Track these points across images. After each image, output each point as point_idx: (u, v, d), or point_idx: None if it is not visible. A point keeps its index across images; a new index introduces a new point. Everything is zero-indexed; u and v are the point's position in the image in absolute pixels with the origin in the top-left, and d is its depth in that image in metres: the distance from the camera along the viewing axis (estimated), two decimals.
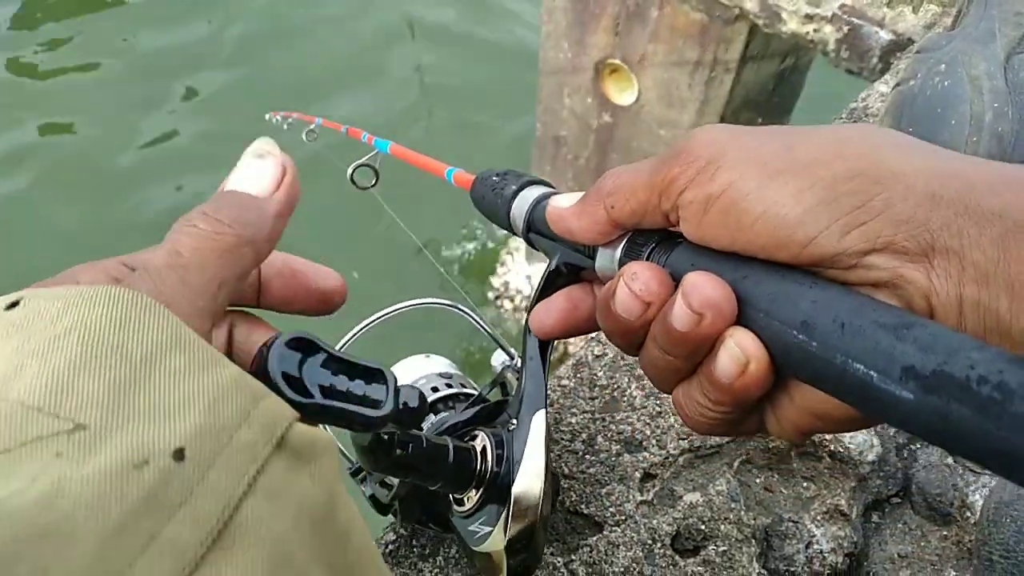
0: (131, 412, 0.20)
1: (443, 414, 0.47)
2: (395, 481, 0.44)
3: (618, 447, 0.55)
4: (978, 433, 0.19)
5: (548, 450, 0.37)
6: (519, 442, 0.36)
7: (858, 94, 0.82)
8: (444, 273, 0.49)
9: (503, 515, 0.36)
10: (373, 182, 0.62)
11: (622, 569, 0.49)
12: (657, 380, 0.30)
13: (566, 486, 0.53)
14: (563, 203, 0.33)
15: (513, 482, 0.36)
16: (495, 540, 0.36)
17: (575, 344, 2.26)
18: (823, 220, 0.24)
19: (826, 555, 0.51)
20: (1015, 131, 0.59)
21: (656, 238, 0.31)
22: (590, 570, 0.50)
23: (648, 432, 0.56)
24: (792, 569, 0.50)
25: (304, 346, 0.26)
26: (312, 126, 1.07)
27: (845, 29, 1.27)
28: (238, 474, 0.20)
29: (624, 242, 0.32)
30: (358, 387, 0.27)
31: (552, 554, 0.51)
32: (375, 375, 0.28)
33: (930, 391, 0.20)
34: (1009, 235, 0.22)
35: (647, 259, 0.30)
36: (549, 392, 0.58)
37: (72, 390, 0.20)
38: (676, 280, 0.28)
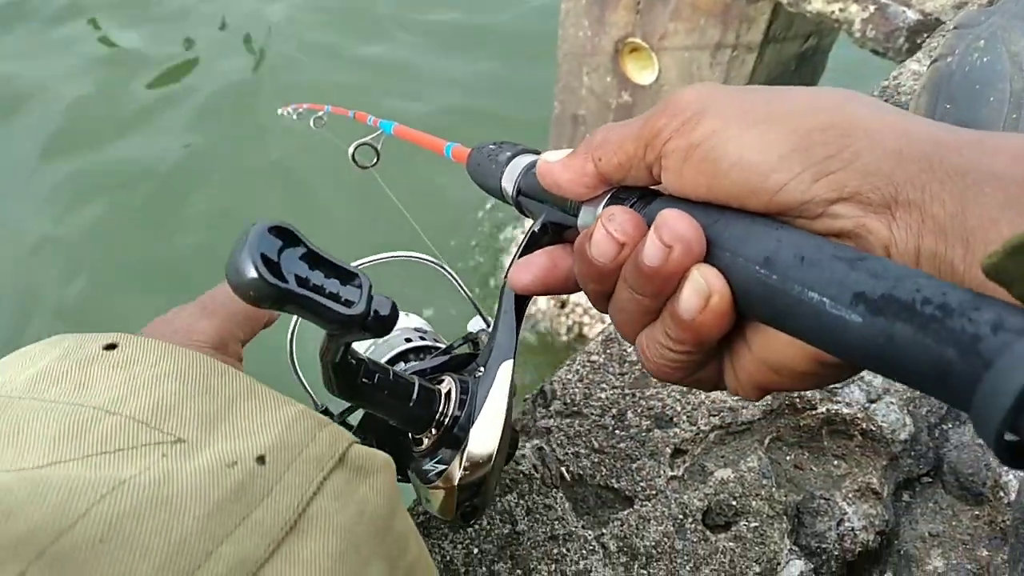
0: (220, 433, 0.26)
1: (413, 363, 0.48)
2: (355, 422, 0.44)
3: (648, 423, 0.55)
4: (917, 349, 0.19)
5: (511, 400, 0.37)
6: (483, 389, 0.37)
7: (889, 73, 0.81)
8: (433, 249, 0.49)
9: (459, 455, 0.36)
10: (374, 161, 0.63)
11: (653, 543, 0.49)
12: (624, 324, 0.30)
13: (596, 460, 0.53)
14: (552, 157, 0.34)
15: (471, 426, 0.36)
16: (448, 478, 0.36)
17: (601, 322, 2.26)
18: (795, 167, 0.25)
19: (857, 533, 0.50)
20: None
21: (638, 193, 0.31)
22: (621, 544, 0.50)
23: (679, 408, 0.56)
24: (823, 546, 0.50)
25: (285, 236, 0.27)
26: (320, 113, 1.09)
27: (871, 8, 1.25)
28: (309, 477, 0.26)
29: (607, 198, 0.32)
30: (333, 284, 0.28)
31: (583, 527, 0.51)
32: (351, 277, 0.28)
33: (877, 313, 0.20)
34: (969, 191, 0.23)
35: None
36: (578, 368, 0.58)
37: (173, 414, 0.26)
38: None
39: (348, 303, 0.27)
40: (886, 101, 0.76)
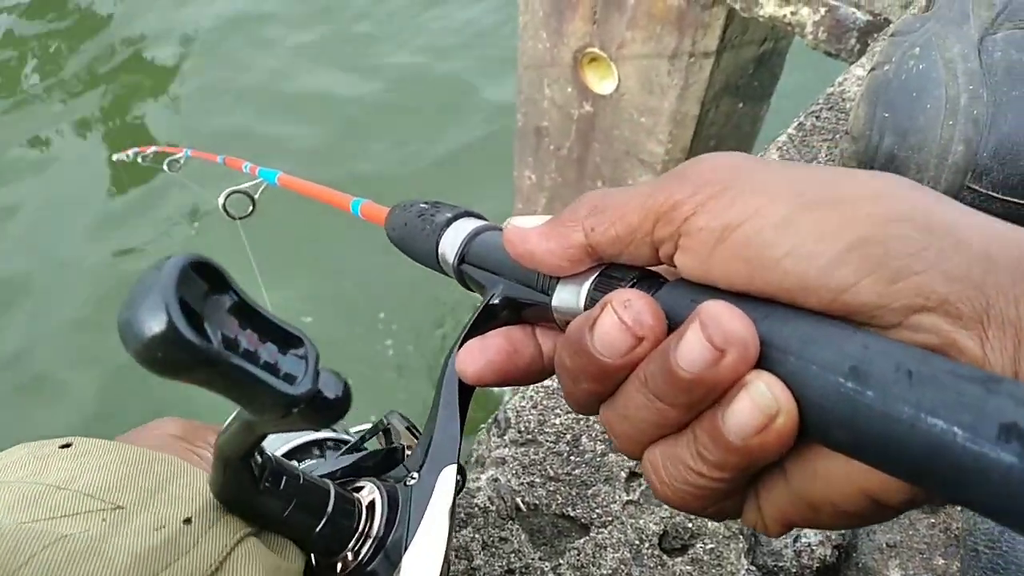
0: (154, 501, 0.29)
1: (313, 460, 0.40)
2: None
3: (603, 447, 0.55)
4: None
5: (452, 521, 0.29)
6: (419, 503, 0.29)
7: (835, 78, 0.81)
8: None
9: None
10: (249, 211, 0.58)
11: (610, 571, 0.49)
12: (629, 436, 0.25)
13: (552, 489, 0.53)
14: (525, 223, 0.29)
15: (404, 554, 0.29)
16: None
17: None
18: (868, 263, 0.20)
19: (815, 548, 0.50)
20: (990, 113, 0.58)
21: (636, 275, 0.26)
22: (578, 573, 0.49)
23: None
24: (781, 564, 0.50)
25: (213, 277, 0.20)
26: (178, 156, 1.00)
27: (822, 11, 1.26)
28: (232, 531, 0.29)
29: (596, 275, 0.27)
30: (269, 352, 0.21)
31: (540, 558, 0.50)
32: (293, 342, 0.22)
33: None
34: None
35: None
36: (532, 395, 0.58)
37: (113, 489, 0.29)
38: (671, 321, 0.23)
39: (288, 378, 0.21)
40: (831, 108, 0.77)
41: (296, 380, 0.21)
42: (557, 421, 0.56)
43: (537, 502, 0.52)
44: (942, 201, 0.22)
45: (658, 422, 0.23)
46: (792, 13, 1.30)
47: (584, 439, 0.55)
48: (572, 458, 0.54)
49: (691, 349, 0.21)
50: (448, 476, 0.29)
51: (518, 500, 0.53)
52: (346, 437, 0.42)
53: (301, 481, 0.29)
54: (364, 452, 0.36)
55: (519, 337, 0.31)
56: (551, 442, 0.55)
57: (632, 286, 0.26)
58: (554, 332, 0.31)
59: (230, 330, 0.20)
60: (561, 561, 0.50)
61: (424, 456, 0.30)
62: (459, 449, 0.30)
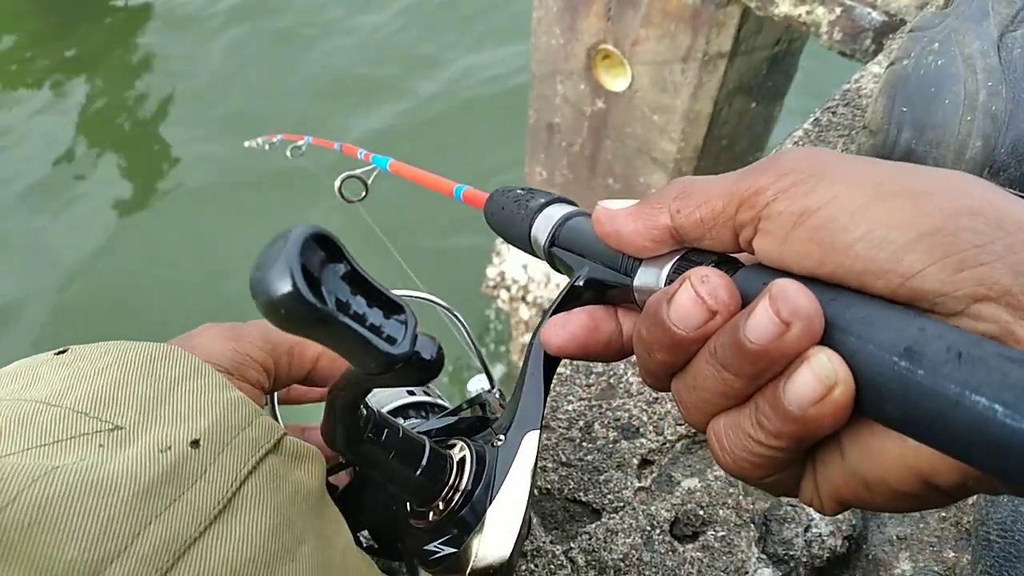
0: (158, 417, 0.26)
1: (413, 420, 0.43)
2: (341, 482, 0.39)
3: (615, 434, 0.55)
4: None
5: (535, 478, 0.32)
6: (504, 462, 0.32)
7: (851, 75, 0.81)
8: (431, 297, 0.46)
9: (472, 541, 0.31)
10: (363, 195, 0.61)
11: (621, 556, 0.49)
12: (697, 406, 0.26)
13: (564, 474, 0.53)
14: (614, 205, 0.30)
15: (490, 505, 0.31)
16: (458, 565, 0.31)
17: None
18: (936, 252, 0.21)
19: (825, 538, 0.51)
20: (1009, 110, 0.58)
21: (715, 258, 0.28)
22: (589, 558, 0.50)
23: (645, 418, 0.56)
24: (791, 553, 0.50)
25: (329, 247, 0.23)
26: (300, 143, 1.07)
27: (837, 11, 1.26)
28: (244, 458, 0.26)
29: (676, 258, 0.28)
30: (376, 315, 0.23)
31: (551, 542, 0.50)
32: (396, 309, 0.24)
33: None
34: None
35: None
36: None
37: (111, 402, 0.26)
38: (744, 300, 0.25)
39: (391, 340, 0.23)
40: (847, 105, 0.77)
41: (397, 342, 0.23)
42: (570, 408, 0.56)
43: (549, 487, 0.53)
44: (1014, 200, 0.23)
45: (724, 392, 0.24)
46: (807, 12, 1.30)
47: (597, 425, 0.55)
48: (584, 444, 0.55)
49: (760, 322, 0.22)
50: (532, 439, 0.31)
51: None
52: (446, 404, 0.45)
53: (400, 434, 0.32)
54: (458, 417, 0.39)
55: (601, 315, 0.32)
56: (564, 428, 0.55)
57: (712, 267, 0.27)
58: (635, 314, 0.33)
59: (343, 294, 0.23)
60: (572, 545, 0.50)
61: (510, 420, 0.32)
62: (543, 415, 0.32)
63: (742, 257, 0.28)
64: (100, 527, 0.23)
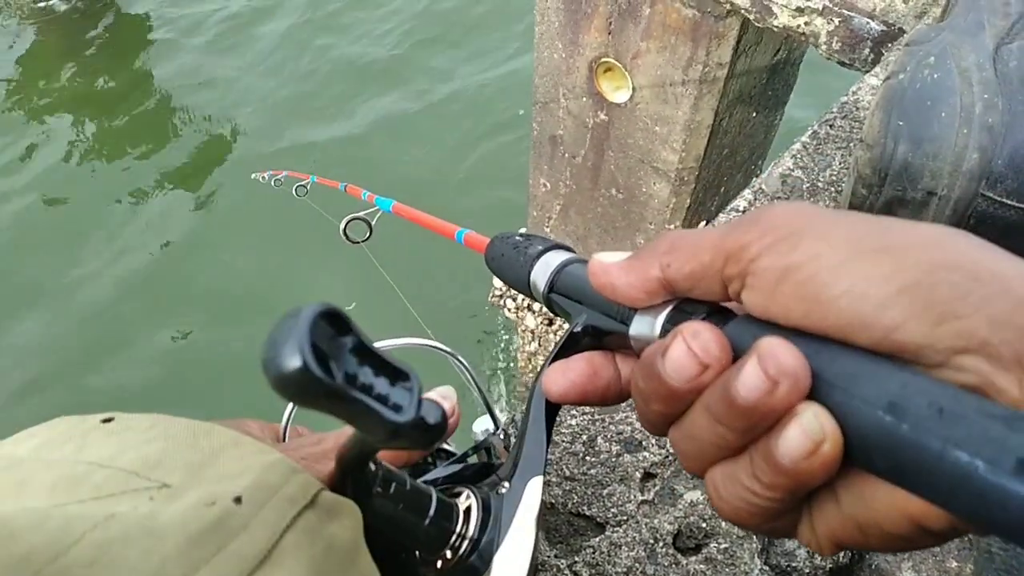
0: (203, 478, 0.28)
1: (420, 467, 0.44)
2: None
3: (618, 447, 0.56)
4: None
5: (539, 524, 0.33)
6: (509, 509, 0.32)
7: (849, 87, 0.82)
8: (434, 336, 0.47)
9: None
10: (367, 236, 0.62)
11: (624, 569, 0.50)
12: (693, 456, 0.27)
13: (568, 488, 0.54)
14: (608, 258, 0.31)
15: (496, 552, 0.32)
16: None
17: None
18: (916, 306, 0.22)
19: None
20: (1005, 123, 0.59)
21: (706, 309, 0.28)
22: (593, 571, 0.50)
23: (647, 431, 0.56)
24: (794, 564, 0.50)
25: (337, 322, 0.24)
26: (305, 182, 1.09)
27: (836, 21, 1.27)
28: (282, 514, 0.28)
29: (670, 308, 0.29)
30: (382, 384, 0.24)
31: (556, 556, 0.51)
32: (401, 376, 0.25)
33: None
34: None
35: None
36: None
37: (160, 466, 0.28)
38: (736, 352, 0.26)
39: (396, 408, 0.24)
40: (844, 117, 0.78)
41: (402, 409, 0.24)
42: (573, 422, 0.57)
43: (553, 501, 0.53)
44: (991, 250, 0.23)
45: (719, 444, 0.25)
46: (806, 23, 1.31)
47: (600, 440, 0.56)
48: (588, 458, 0.55)
49: (749, 379, 0.23)
50: (535, 485, 0.32)
51: None
52: (453, 450, 0.47)
53: (408, 487, 0.32)
54: (464, 464, 0.41)
55: (600, 361, 0.33)
56: (567, 442, 0.56)
57: (703, 319, 0.28)
58: (632, 359, 0.34)
59: (351, 367, 0.24)
60: (577, 559, 0.51)
61: (514, 467, 0.33)
62: (545, 461, 0.33)
63: (733, 306, 0.28)
64: (154, 568, 0.24)
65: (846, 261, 0.24)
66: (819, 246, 0.24)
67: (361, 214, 0.61)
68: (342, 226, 0.61)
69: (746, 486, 0.25)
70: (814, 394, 0.23)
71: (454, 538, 0.33)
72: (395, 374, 0.25)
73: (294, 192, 1.04)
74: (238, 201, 3.32)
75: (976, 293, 0.22)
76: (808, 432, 0.23)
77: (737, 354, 0.25)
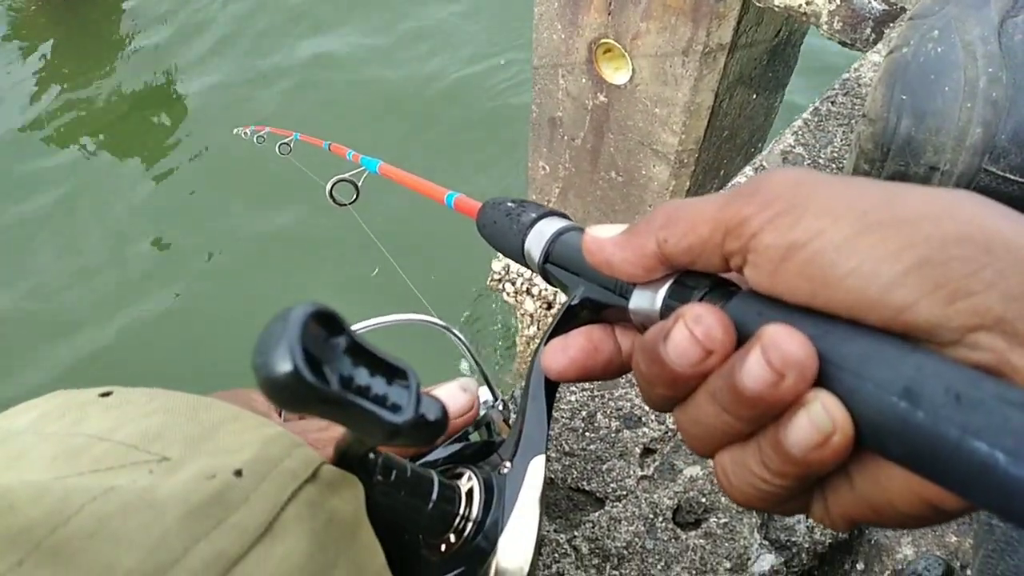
0: (202, 451, 0.28)
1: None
2: None
3: (617, 423, 0.55)
4: None
5: (542, 503, 0.32)
6: (511, 489, 0.32)
7: (850, 64, 0.81)
8: (425, 302, 0.46)
9: (487, 569, 0.32)
10: (353, 198, 0.61)
11: (624, 543, 0.50)
12: (699, 440, 0.27)
13: (567, 463, 0.54)
14: (603, 232, 0.30)
15: (500, 533, 0.32)
16: None
17: None
18: (927, 284, 0.21)
19: None
20: (1009, 96, 0.58)
21: (708, 282, 0.27)
22: (592, 546, 0.50)
23: (647, 407, 0.56)
24: (793, 539, 0.50)
25: (329, 323, 0.23)
26: (287, 140, 1.08)
27: (837, 1, 1.26)
28: (283, 487, 0.27)
29: (670, 282, 0.28)
30: (379, 384, 0.23)
31: (555, 531, 0.51)
32: (398, 374, 0.24)
33: None
34: None
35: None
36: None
37: (159, 439, 0.28)
38: (740, 332, 0.25)
39: (395, 408, 0.23)
40: (846, 94, 0.77)
41: (401, 409, 0.23)
42: (572, 398, 0.57)
43: (553, 476, 0.53)
44: (1006, 218, 0.22)
45: (726, 431, 0.25)
46: (807, 3, 1.30)
47: (599, 415, 0.56)
48: (587, 434, 0.55)
49: (754, 370, 0.23)
50: (537, 464, 0.32)
51: None
52: None
53: (408, 473, 0.32)
54: (464, 443, 0.40)
55: (599, 336, 0.32)
56: (566, 418, 0.56)
57: (704, 295, 0.27)
58: (632, 331, 0.33)
59: (345, 369, 0.23)
60: (576, 533, 0.51)
61: (515, 447, 0.33)
62: (547, 439, 0.33)
63: (738, 278, 0.27)
64: (154, 541, 0.24)
65: (852, 237, 0.23)
66: (823, 221, 0.23)
67: (347, 175, 0.60)
68: (328, 188, 0.59)
69: (755, 472, 0.24)
70: (823, 379, 0.22)
71: (458, 520, 0.33)
72: (392, 372, 0.24)
73: (277, 150, 1.02)
74: (217, 156, 3.29)
75: (990, 267, 0.21)
76: (817, 424, 0.22)
77: (742, 334, 0.25)
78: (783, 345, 0.22)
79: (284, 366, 0.20)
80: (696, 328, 0.25)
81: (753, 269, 0.25)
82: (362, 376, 0.23)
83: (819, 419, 0.22)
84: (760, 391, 0.22)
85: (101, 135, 3.49)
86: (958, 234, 0.22)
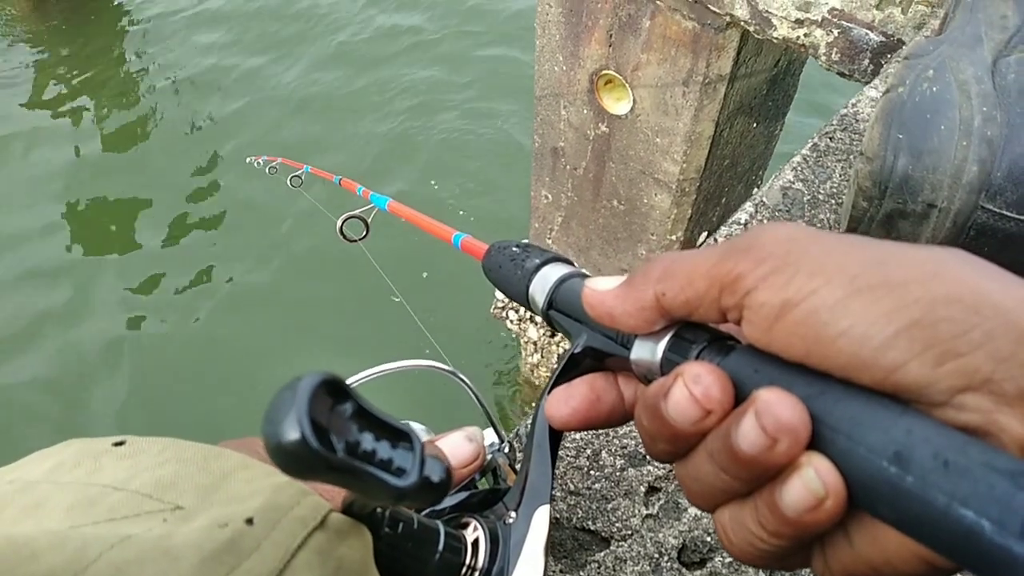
0: (214, 501, 0.28)
1: None
2: None
3: (622, 461, 0.56)
4: None
5: (548, 553, 0.33)
6: (516, 540, 0.33)
7: (848, 100, 0.83)
8: (434, 342, 0.47)
9: None
10: (363, 235, 0.62)
11: None
12: (700, 496, 0.27)
13: (572, 503, 0.54)
14: (602, 285, 0.31)
15: None
16: None
17: None
18: (916, 345, 0.22)
19: None
20: (1004, 135, 0.59)
21: (707, 336, 0.28)
22: None
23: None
24: None
25: (336, 392, 0.23)
26: (299, 172, 1.10)
27: (835, 32, 1.28)
28: (293, 535, 0.28)
29: (670, 335, 0.29)
30: (383, 449, 0.24)
31: (561, 571, 0.51)
32: (401, 437, 0.25)
33: None
34: None
35: (698, 358, 0.28)
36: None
37: (172, 488, 0.28)
38: (737, 388, 0.25)
39: (399, 472, 0.24)
40: (844, 129, 0.78)
41: (405, 472, 0.24)
42: (577, 436, 0.57)
43: (558, 516, 0.53)
44: (992, 277, 0.23)
45: (725, 489, 0.26)
46: (806, 35, 1.32)
47: (604, 454, 0.56)
48: (592, 472, 0.55)
49: (748, 434, 0.23)
50: (542, 514, 0.32)
51: None
52: None
53: (415, 525, 0.32)
54: (471, 492, 0.40)
55: (602, 385, 0.33)
56: (571, 456, 0.56)
57: (703, 350, 0.28)
58: (635, 380, 0.33)
59: (351, 435, 0.23)
60: (582, 574, 0.51)
61: (520, 496, 0.33)
62: (551, 488, 0.33)
63: (734, 329, 0.28)
64: None
65: (844, 299, 0.23)
66: (816, 281, 0.24)
67: (358, 212, 0.60)
68: (338, 224, 0.60)
69: (753, 532, 0.25)
70: (817, 440, 0.23)
71: (464, 570, 0.33)
72: (396, 435, 0.25)
73: (288, 183, 1.04)
74: (232, 186, 3.34)
75: (978, 328, 0.21)
76: (810, 487, 0.23)
77: (740, 392, 0.25)
78: (776, 410, 0.23)
79: (292, 435, 0.21)
80: (695, 388, 0.25)
81: (749, 325, 0.26)
82: (367, 441, 0.24)
83: (812, 483, 0.23)
84: (755, 454, 0.23)
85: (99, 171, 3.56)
86: (947, 295, 0.22)
